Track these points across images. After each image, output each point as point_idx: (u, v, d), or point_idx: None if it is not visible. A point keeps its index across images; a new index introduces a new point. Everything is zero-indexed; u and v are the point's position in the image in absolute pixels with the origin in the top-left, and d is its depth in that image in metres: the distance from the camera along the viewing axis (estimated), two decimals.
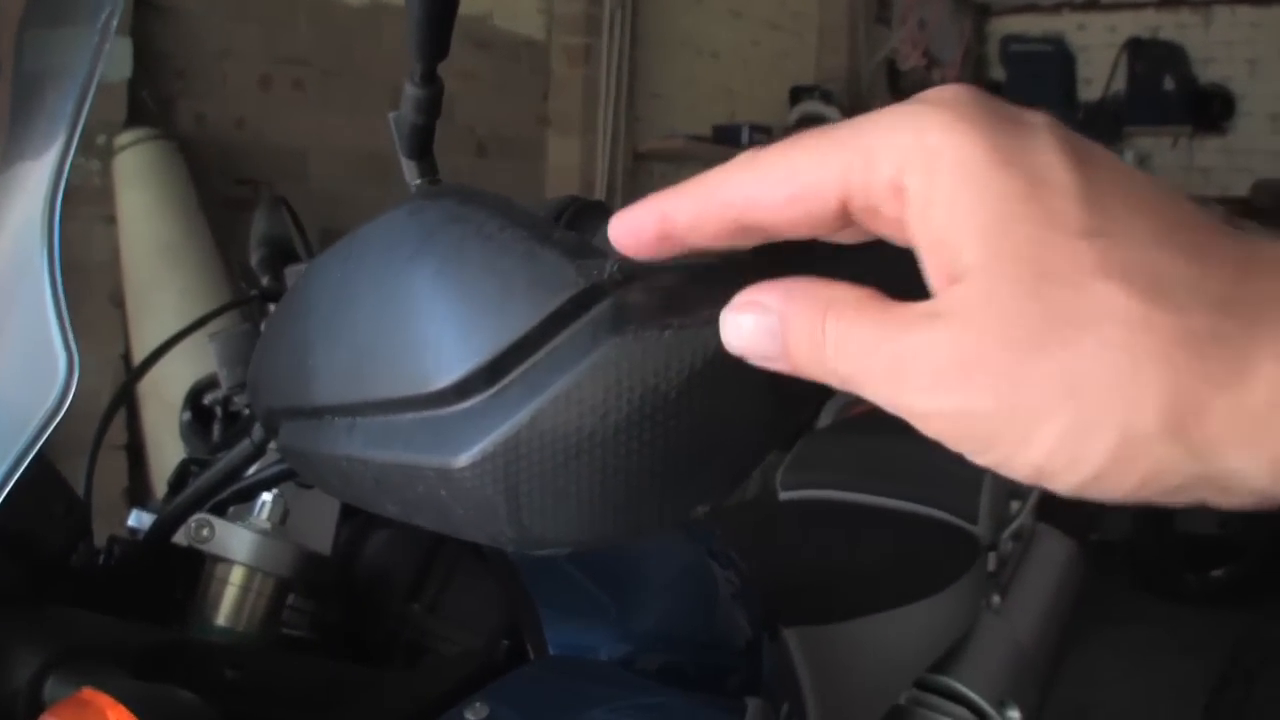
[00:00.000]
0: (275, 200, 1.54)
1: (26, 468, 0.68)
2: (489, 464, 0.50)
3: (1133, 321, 0.37)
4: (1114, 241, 0.38)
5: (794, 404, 0.55)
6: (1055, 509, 4.11)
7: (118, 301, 3.10)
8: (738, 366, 0.48)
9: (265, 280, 1.41)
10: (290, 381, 0.64)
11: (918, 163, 0.40)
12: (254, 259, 1.41)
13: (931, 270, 0.41)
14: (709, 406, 0.50)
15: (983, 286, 0.39)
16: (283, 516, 0.93)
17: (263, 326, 0.93)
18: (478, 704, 0.86)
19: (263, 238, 1.45)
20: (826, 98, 6.11)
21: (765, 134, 5.61)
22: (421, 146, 0.88)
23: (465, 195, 0.55)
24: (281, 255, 1.46)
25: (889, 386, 0.42)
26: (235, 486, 0.94)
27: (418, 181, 0.88)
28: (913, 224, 0.41)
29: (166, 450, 2.91)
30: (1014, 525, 2.22)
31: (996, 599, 2.13)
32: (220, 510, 0.95)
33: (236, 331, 1.11)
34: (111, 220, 3.08)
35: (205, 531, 0.90)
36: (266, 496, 0.93)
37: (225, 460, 0.93)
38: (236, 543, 0.90)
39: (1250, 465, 0.38)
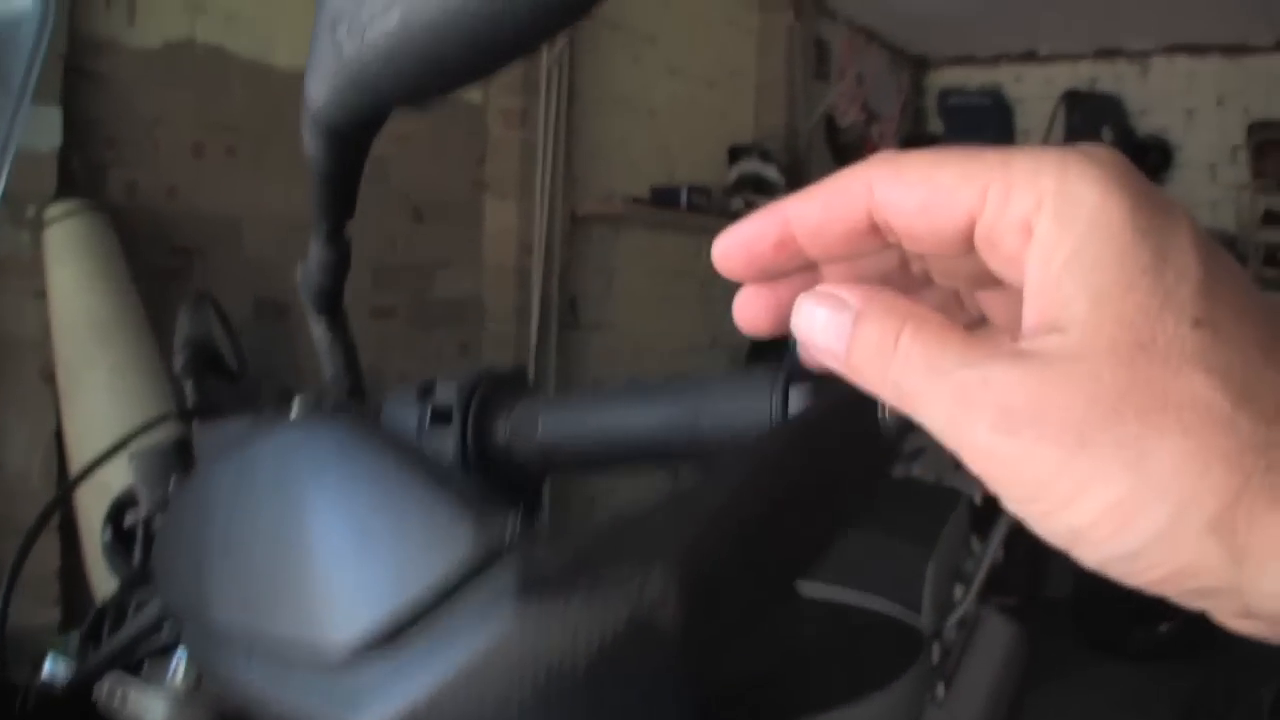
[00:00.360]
0: (200, 298, 1.50)
1: None
2: None
3: (1216, 417, 0.37)
4: (1219, 338, 0.39)
5: (709, 672, 0.52)
6: (1002, 574, 4.10)
7: (48, 377, 3.03)
8: (650, 640, 0.45)
9: (188, 387, 1.38)
10: (191, 587, 0.61)
11: (1056, 206, 0.40)
12: (177, 363, 1.37)
13: (1031, 314, 0.41)
14: (618, 683, 0.47)
15: (1082, 341, 0.39)
16: (197, 678, 0.89)
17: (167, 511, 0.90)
18: None
19: (186, 340, 1.41)
20: (765, 156, 6.11)
21: (704, 194, 5.61)
22: (330, 304, 0.84)
23: (362, 433, 0.53)
24: (205, 359, 1.42)
25: (951, 413, 0.41)
26: (150, 647, 0.91)
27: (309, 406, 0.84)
28: (1030, 263, 0.41)
29: (98, 533, 2.85)
30: (959, 612, 2.20)
31: (940, 690, 2.10)
32: (138, 664, 0.91)
33: (157, 449, 1.06)
34: (42, 294, 3.02)
35: (118, 695, 0.87)
36: (180, 655, 0.89)
37: (135, 624, 0.90)
38: (150, 708, 0.86)
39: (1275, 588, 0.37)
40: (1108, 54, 8.08)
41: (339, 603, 0.49)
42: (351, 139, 0.69)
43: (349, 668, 0.48)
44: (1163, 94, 7.98)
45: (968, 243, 0.43)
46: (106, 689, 0.87)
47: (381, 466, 0.51)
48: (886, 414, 0.61)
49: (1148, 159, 7.86)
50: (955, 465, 2.58)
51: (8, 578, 1.19)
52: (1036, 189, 0.41)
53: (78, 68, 3.18)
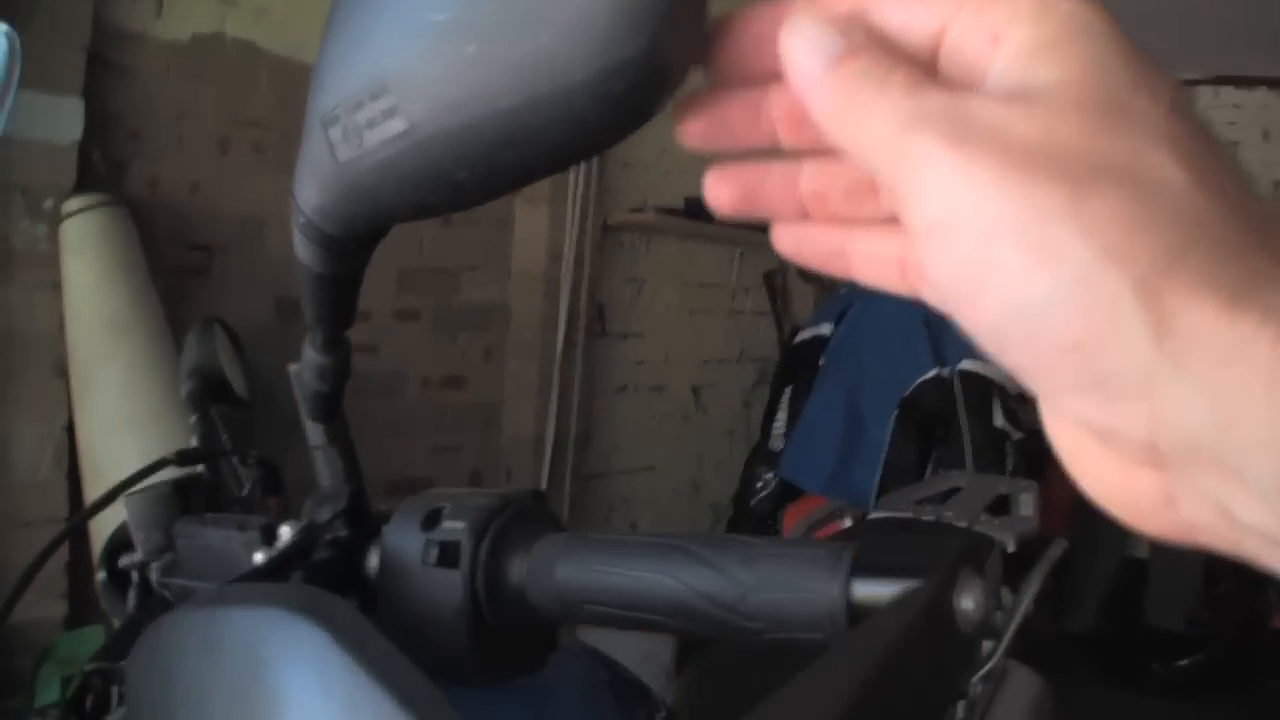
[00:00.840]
0: (208, 323, 1.44)
1: None
2: None
3: (1171, 186, 0.36)
4: (1187, 129, 0.38)
5: None
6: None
7: (61, 372, 2.97)
8: None
9: (193, 421, 1.34)
10: None
11: (1032, 13, 0.39)
12: (182, 391, 1.33)
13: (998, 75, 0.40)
14: None
15: (1047, 105, 0.38)
16: None
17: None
18: None
19: (192, 369, 1.37)
20: None
21: None
22: (329, 411, 0.77)
23: (342, 633, 0.46)
24: (212, 389, 1.38)
25: (900, 138, 0.39)
26: None
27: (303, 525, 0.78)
28: (996, 60, 0.40)
29: (106, 529, 2.81)
30: (985, 669, 2.12)
31: None
32: None
33: (153, 493, 1.04)
34: (56, 287, 2.96)
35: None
36: None
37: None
38: None
39: (1192, 395, 0.34)
40: None
41: None
42: (350, 249, 0.62)
43: None
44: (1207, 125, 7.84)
45: (935, 54, 0.42)
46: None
47: (350, 682, 0.47)
48: (962, 607, 0.53)
49: None
50: (988, 508, 2.50)
51: (10, 594, 1.17)
52: (1014, 3, 0.40)
53: (102, 59, 3.12)
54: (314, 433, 0.78)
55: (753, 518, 4.90)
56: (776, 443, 4.91)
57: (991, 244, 0.37)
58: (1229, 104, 7.73)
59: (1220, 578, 5.52)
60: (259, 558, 0.77)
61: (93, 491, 2.93)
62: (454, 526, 0.67)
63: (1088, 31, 0.38)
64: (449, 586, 0.66)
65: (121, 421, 2.84)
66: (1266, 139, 7.66)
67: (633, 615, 0.64)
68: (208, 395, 1.34)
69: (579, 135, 0.48)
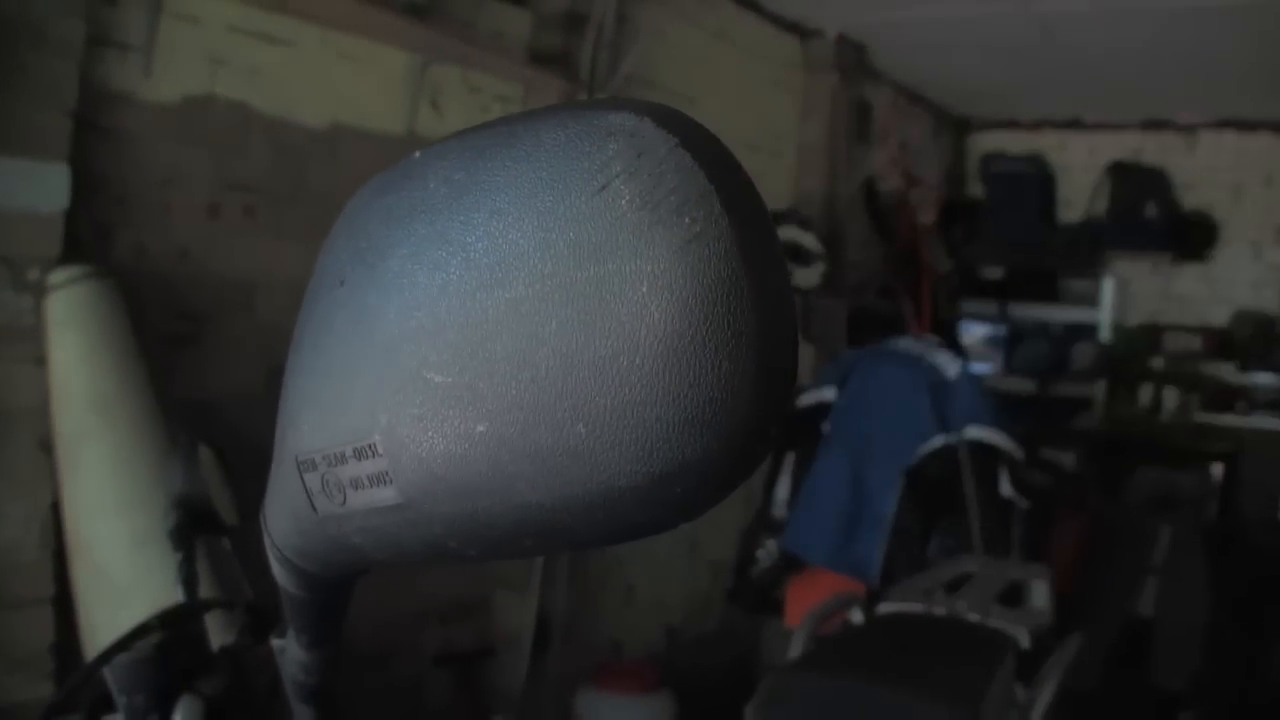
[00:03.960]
0: (191, 446, 1.37)
1: None
2: None
3: None
4: None
5: None
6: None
7: (46, 448, 2.89)
8: None
9: (178, 561, 1.28)
10: None
11: None
12: (168, 525, 1.28)
13: None
14: None
15: None
16: None
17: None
18: None
19: (177, 500, 1.30)
20: (804, 224, 5.97)
21: None
22: (317, 699, 0.70)
23: None
24: (198, 519, 1.31)
25: None
26: None
27: None
28: None
29: (94, 612, 2.75)
30: None
31: None
32: None
33: (134, 660, 1.01)
34: (42, 362, 2.87)
35: None
36: None
37: None
38: None
39: None
40: (1155, 125, 7.99)
41: None
42: (330, 583, 0.54)
43: None
44: (1209, 169, 7.88)
45: None
46: None
47: None
48: None
49: (1192, 234, 7.77)
50: (999, 598, 2.44)
51: None
52: None
53: (88, 122, 3.03)
54: (301, 714, 0.71)
55: (754, 589, 4.84)
56: (779, 510, 4.84)
57: None
58: (1232, 148, 7.73)
59: (1223, 631, 5.55)
60: None
61: (79, 571, 2.86)
62: None
63: None
64: None
65: (109, 503, 2.76)
66: (1269, 184, 7.66)
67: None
68: (194, 528, 1.27)
69: (622, 533, 0.40)
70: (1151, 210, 7.72)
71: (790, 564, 4.69)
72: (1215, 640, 5.52)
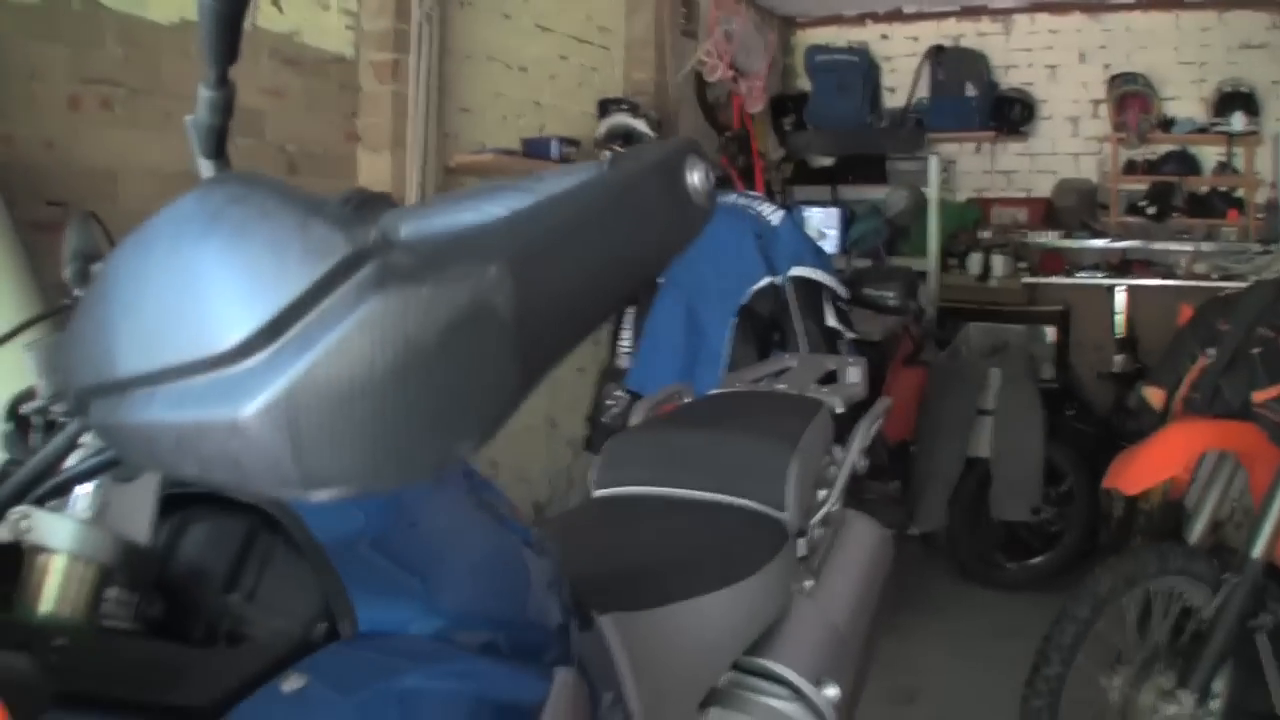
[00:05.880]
0: (85, 215, 1.56)
1: None
2: (272, 414, 0.57)
3: None
4: None
5: (540, 357, 0.63)
6: (869, 505, 4.25)
7: None
8: (489, 321, 0.55)
9: (78, 291, 1.43)
10: (96, 359, 0.68)
11: None
12: (67, 272, 1.43)
13: None
14: (465, 356, 0.57)
15: None
16: (101, 508, 0.94)
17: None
18: (293, 676, 0.91)
19: (75, 252, 1.47)
20: (635, 110, 6.16)
21: (574, 146, 5.68)
22: (217, 146, 0.93)
23: (248, 179, 0.61)
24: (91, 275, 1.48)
25: None
26: (53, 480, 0.95)
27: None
28: None
29: None
30: (821, 512, 2.30)
31: (809, 583, 2.20)
32: (39, 505, 0.97)
33: (53, 340, 1.09)
34: None
35: (25, 523, 0.91)
36: (84, 488, 0.94)
37: (41, 454, 0.95)
38: (56, 531, 0.91)
39: None
40: (972, 12, 8.27)
41: (229, 315, 0.57)
42: None
43: (239, 365, 0.57)
44: (1025, 50, 8.19)
45: None
46: (14, 519, 0.91)
47: (267, 202, 0.59)
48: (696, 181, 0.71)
49: (1011, 113, 8.06)
50: (818, 382, 2.69)
51: None
52: None
53: None
54: (206, 170, 0.94)
55: (608, 434, 5.07)
56: (623, 360, 5.09)
57: None
58: (1045, 29, 8.02)
59: (1063, 476, 5.85)
60: None
61: None
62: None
63: None
64: None
65: None
66: (1084, 61, 7.96)
67: None
68: (90, 273, 1.43)
69: None
70: (972, 91, 7.99)
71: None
72: (1056, 480, 5.80)
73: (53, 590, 0.91)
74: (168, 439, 0.63)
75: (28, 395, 1.30)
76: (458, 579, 1.15)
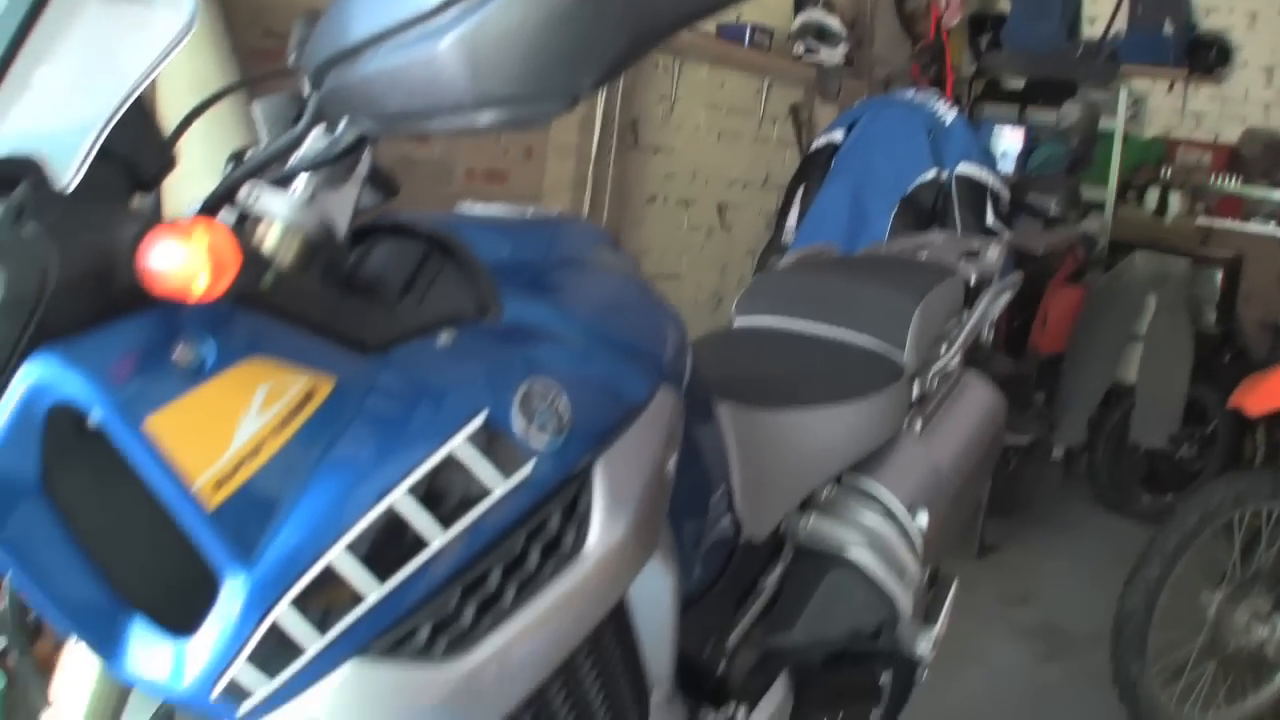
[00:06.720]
0: (311, 14, 1.74)
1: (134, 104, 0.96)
2: (458, 46, 0.87)
3: None
4: None
5: (646, 29, 0.92)
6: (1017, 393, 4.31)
7: None
8: None
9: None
10: (335, 34, 0.95)
11: None
12: (292, 57, 1.54)
13: None
14: (591, 15, 0.87)
15: None
16: (312, 195, 1.13)
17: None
18: (444, 334, 1.17)
19: (300, 39, 1.58)
20: (829, 6, 6.24)
21: (768, 35, 5.79)
22: None
23: None
24: None
25: None
26: (280, 171, 1.12)
27: None
28: None
29: None
30: (940, 363, 2.46)
31: (918, 424, 2.37)
32: None
33: (278, 97, 1.30)
34: None
35: (254, 195, 1.11)
36: (301, 178, 1.12)
37: (273, 144, 1.12)
38: (277, 203, 1.10)
39: None
40: None
41: None
42: None
43: (437, 19, 0.88)
44: None
45: None
46: (245, 191, 1.11)
47: None
48: None
49: (1207, 55, 8.00)
50: (960, 258, 2.84)
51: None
52: None
53: None
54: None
55: None
56: (788, 236, 5.22)
57: None
58: None
59: (1210, 419, 5.84)
60: None
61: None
62: None
63: None
64: None
65: None
66: None
67: None
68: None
69: None
70: (1169, 28, 7.91)
71: None
72: (1201, 420, 5.79)
73: (269, 249, 1.10)
74: (385, 81, 0.91)
75: (248, 147, 1.48)
76: (586, 298, 1.40)
